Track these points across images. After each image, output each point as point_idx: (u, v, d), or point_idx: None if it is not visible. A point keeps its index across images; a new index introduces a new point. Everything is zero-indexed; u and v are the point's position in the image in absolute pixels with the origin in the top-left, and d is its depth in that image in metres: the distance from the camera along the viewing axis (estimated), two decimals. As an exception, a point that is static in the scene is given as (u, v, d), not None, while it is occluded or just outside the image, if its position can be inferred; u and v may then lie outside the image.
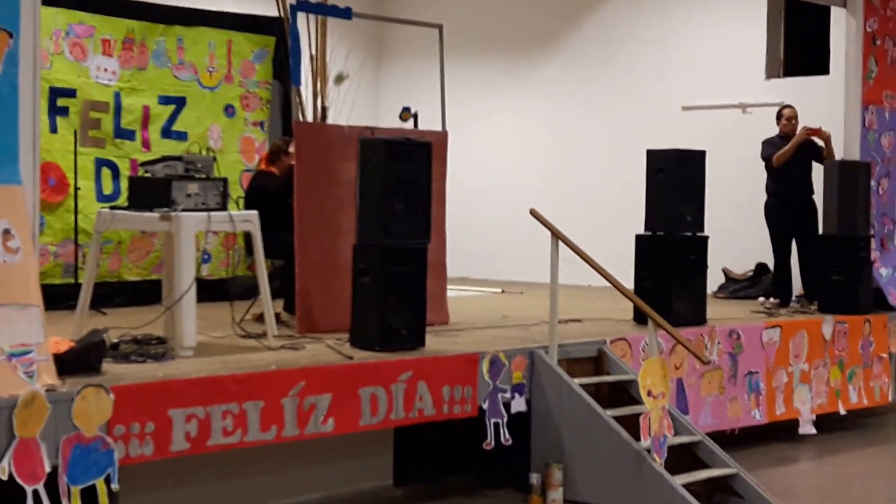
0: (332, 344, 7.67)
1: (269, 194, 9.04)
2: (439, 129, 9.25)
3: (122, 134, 10.52)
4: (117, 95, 10.47)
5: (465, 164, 12.13)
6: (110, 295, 9.93)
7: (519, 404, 7.70)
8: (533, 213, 8.09)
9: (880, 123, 11.41)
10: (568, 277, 8.57)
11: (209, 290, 9.38)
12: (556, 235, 7.85)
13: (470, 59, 14.12)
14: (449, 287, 9.46)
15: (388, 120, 11.13)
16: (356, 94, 11.62)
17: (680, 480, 7.22)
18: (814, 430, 9.76)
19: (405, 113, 9.33)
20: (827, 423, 10.01)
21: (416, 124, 9.31)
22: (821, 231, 10.81)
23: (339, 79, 10.07)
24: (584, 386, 7.73)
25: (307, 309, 8.43)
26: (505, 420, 7.58)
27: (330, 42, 10.54)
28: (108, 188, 10.40)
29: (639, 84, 13.26)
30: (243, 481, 7.18)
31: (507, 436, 7.56)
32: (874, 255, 11.05)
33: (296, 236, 8.46)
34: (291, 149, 9.09)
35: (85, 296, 7.68)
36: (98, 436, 5.79)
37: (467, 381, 7.41)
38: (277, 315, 8.38)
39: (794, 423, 9.73)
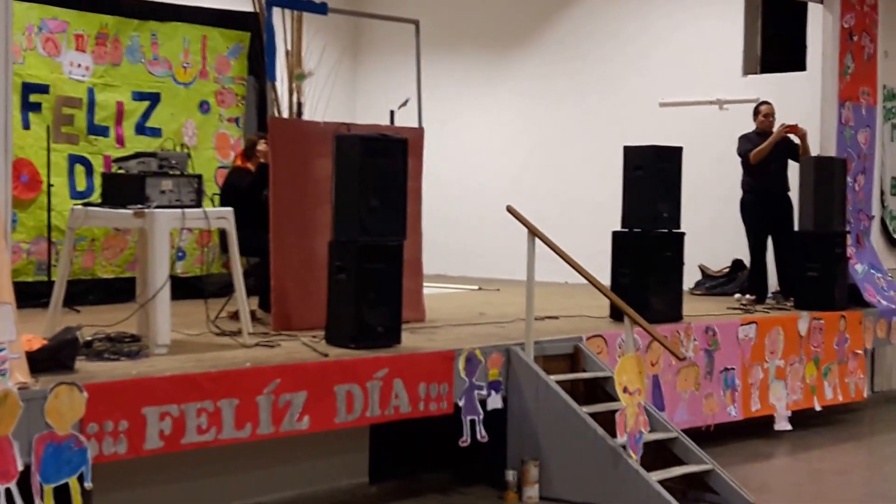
0: (307, 341, 7.64)
1: (241, 190, 9.00)
2: (416, 125, 9.22)
3: (96, 130, 10.45)
4: (91, 91, 10.40)
5: (441, 160, 12.09)
6: (84, 292, 9.88)
7: (495, 401, 7.68)
8: (510, 209, 8.07)
9: (857, 120, 11.44)
10: (545, 274, 8.56)
11: (183, 288, 9.34)
12: (533, 232, 7.83)
13: (446, 55, 14.09)
14: (425, 284, 9.43)
15: (365, 116, 11.10)
16: (332, 91, 11.58)
17: (655, 477, 7.23)
18: (789, 427, 9.78)
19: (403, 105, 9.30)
20: (802, 419, 10.03)
21: (392, 121, 9.28)
22: (797, 227, 10.84)
23: (300, 77, 10.03)
24: (560, 383, 7.71)
25: (282, 306, 8.39)
26: (481, 417, 7.57)
27: (305, 38, 10.51)
28: (81, 185, 10.33)
29: (616, 80, 13.25)
30: (218, 479, 7.13)
31: (483, 433, 7.54)
32: (850, 251, 11.07)
33: (271, 233, 8.41)
34: (261, 145, 9.05)
35: (58, 293, 7.63)
36: (71, 434, 5.75)
37: (443, 378, 7.39)
38: (252, 312, 8.34)
39: (770, 420, 9.75)
